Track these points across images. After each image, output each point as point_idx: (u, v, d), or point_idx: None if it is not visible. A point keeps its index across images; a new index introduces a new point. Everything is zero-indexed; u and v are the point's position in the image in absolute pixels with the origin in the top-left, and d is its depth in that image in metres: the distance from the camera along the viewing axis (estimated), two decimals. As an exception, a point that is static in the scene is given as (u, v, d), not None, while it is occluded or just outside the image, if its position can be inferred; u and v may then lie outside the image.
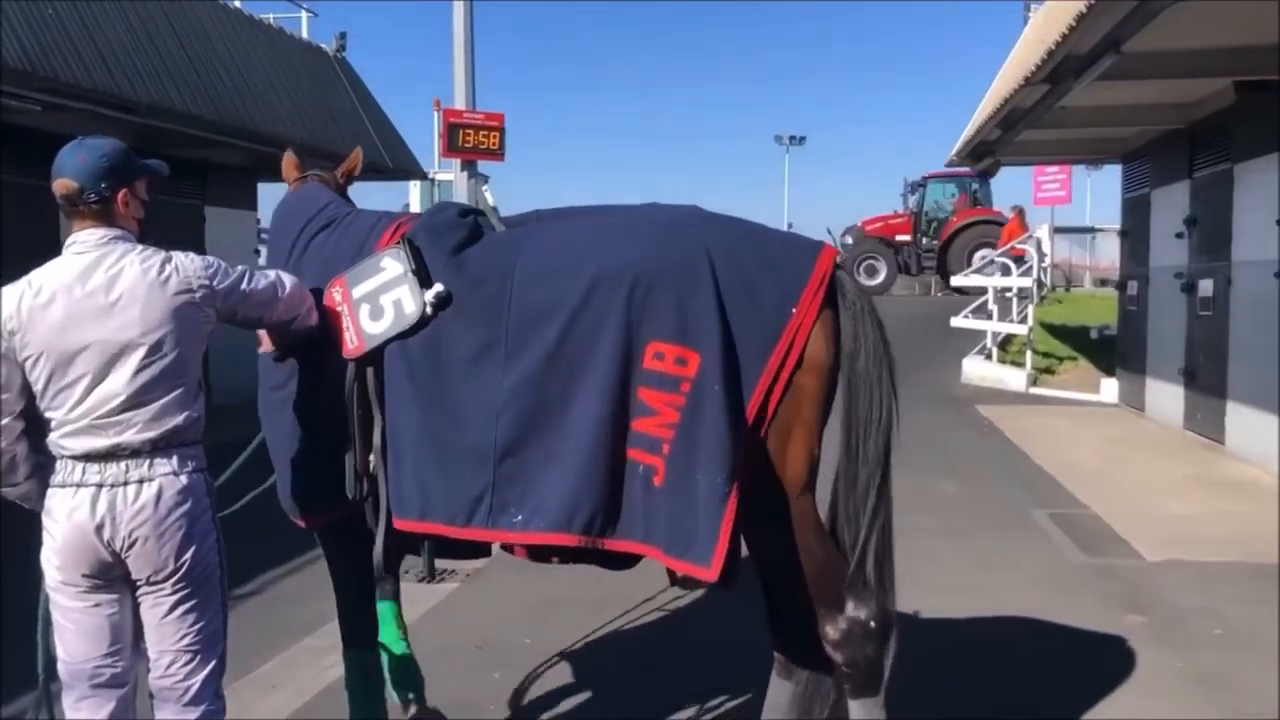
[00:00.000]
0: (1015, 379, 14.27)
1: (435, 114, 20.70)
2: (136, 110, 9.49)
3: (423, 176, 17.26)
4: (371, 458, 3.19)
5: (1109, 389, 13.31)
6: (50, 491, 2.79)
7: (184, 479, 2.80)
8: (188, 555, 2.80)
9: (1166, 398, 11.26)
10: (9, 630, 4.44)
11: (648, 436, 2.85)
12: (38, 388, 2.78)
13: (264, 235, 17.86)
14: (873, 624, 2.94)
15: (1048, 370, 14.80)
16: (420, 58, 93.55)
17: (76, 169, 2.82)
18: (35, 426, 2.87)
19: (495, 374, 2.95)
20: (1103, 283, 15.78)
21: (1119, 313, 13.46)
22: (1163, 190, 11.54)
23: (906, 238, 23.69)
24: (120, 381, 2.74)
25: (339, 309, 3.17)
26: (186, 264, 2.86)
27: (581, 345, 2.88)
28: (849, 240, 23.55)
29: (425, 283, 3.07)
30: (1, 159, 9.87)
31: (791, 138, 56.94)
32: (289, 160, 3.91)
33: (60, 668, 2.86)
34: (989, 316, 15.50)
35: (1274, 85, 8.49)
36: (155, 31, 10.13)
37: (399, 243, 3.17)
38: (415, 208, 21.95)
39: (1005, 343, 15.57)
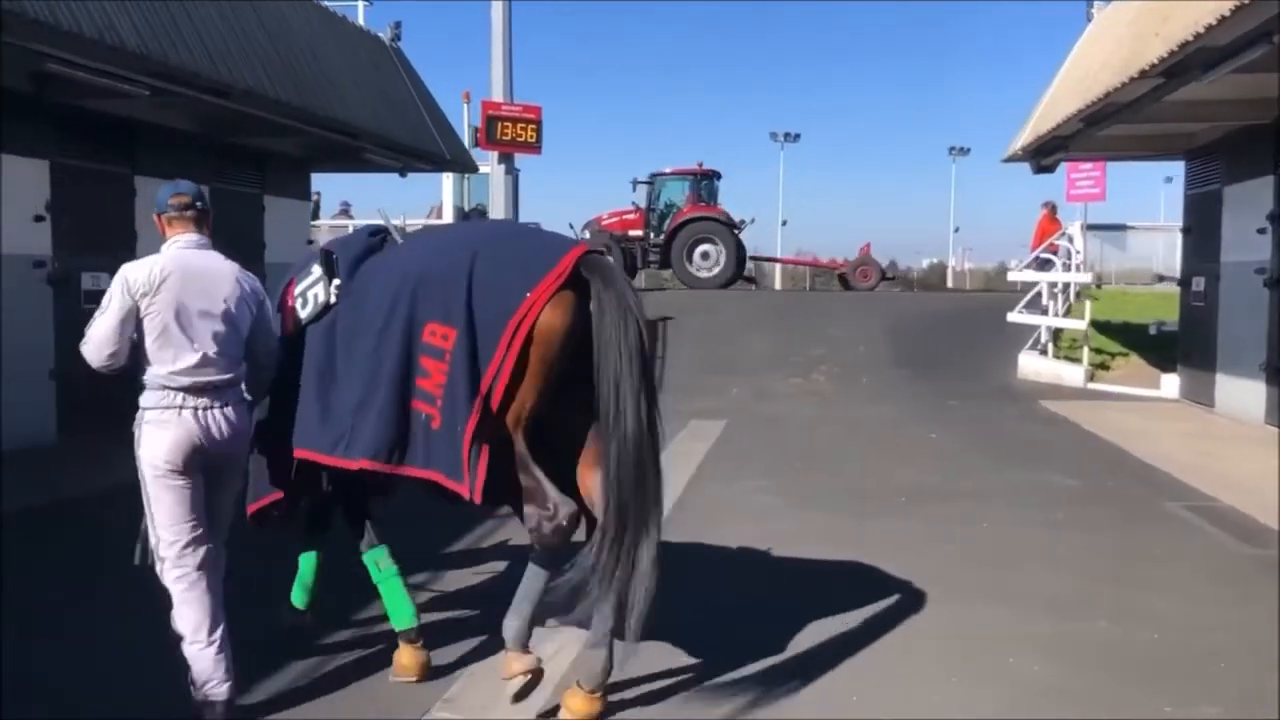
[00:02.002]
0: (1072, 374, 14.32)
1: (464, 107, 20.74)
2: (231, 95, 9.38)
3: (474, 169, 17.11)
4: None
5: (1169, 384, 13.37)
6: (156, 413, 3.86)
7: (244, 406, 4.07)
8: (246, 452, 4.21)
9: (1242, 393, 11.32)
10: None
11: (426, 392, 3.80)
12: (151, 338, 3.86)
13: (314, 225, 17.80)
14: (564, 523, 3.78)
15: (1102, 366, 14.86)
16: (441, 50, 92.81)
17: (187, 189, 4.08)
18: None
19: (357, 348, 4.01)
20: (1161, 278, 15.80)
21: (1181, 309, 13.51)
22: (1238, 186, 11.58)
23: (639, 233, 24.26)
24: (209, 339, 3.91)
25: (290, 303, 4.30)
26: (252, 277, 4.14)
27: (392, 326, 3.87)
28: (587, 235, 23.96)
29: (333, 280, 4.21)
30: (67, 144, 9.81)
31: (786, 134, 57.46)
32: None
33: (159, 540, 3.86)
34: (1043, 312, 15.54)
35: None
36: (244, 20, 10.01)
37: (321, 252, 4.32)
38: (448, 200, 21.89)
39: (1054, 338, 15.63)
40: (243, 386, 4.07)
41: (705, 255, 23.34)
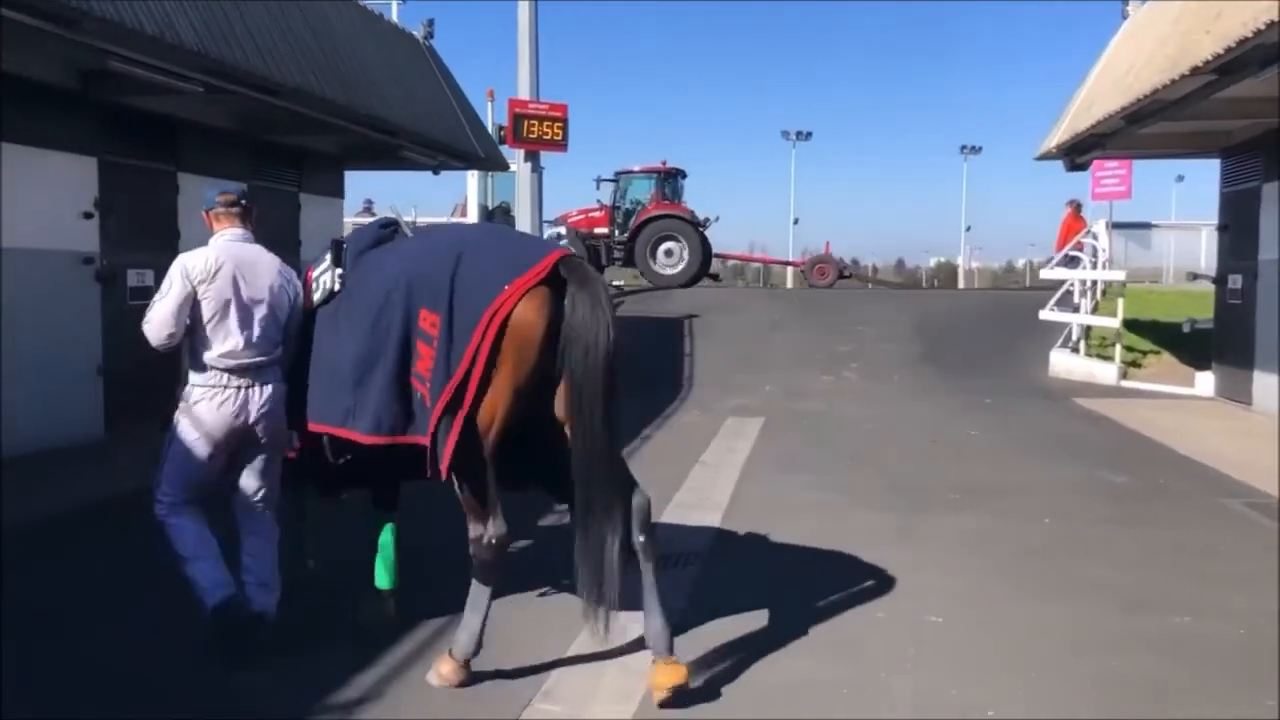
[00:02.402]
0: (1105, 372, 14.31)
1: (488, 105, 20.74)
2: (280, 94, 9.42)
3: (505, 167, 17.09)
4: None
5: (1204, 382, 13.36)
6: (202, 390, 4.42)
7: (281, 383, 4.58)
8: (281, 425, 4.58)
9: (1281, 390, 11.30)
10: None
11: (418, 372, 4.12)
12: (205, 321, 4.39)
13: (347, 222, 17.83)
14: (493, 541, 4.08)
15: (1133, 364, 14.84)
16: (462, 48, 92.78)
17: (233, 188, 4.66)
18: None
19: (357, 332, 4.30)
20: (1195, 276, 15.82)
21: (1216, 306, 13.50)
22: (1278, 184, 11.56)
23: (604, 230, 24.47)
24: (254, 324, 4.46)
25: (308, 287, 4.69)
26: (290, 270, 4.69)
27: (390, 313, 4.17)
28: (561, 232, 24.16)
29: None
30: (114, 142, 9.87)
31: (798, 133, 57.39)
32: None
33: (159, 486, 4.44)
34: (1074, 309, 15.53)
35: None
36: (291, 19, 10.05)
37: (331, 243, 4.67)
38: (472, 197, 21.92)
39: (1084, 335, 15.62)
40: (278, 368, 4.59)
41: (669, 253, 23.51)
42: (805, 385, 14.37)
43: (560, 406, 4.10)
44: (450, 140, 13.67)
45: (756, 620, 4.99)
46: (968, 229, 59.39)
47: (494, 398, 3.98)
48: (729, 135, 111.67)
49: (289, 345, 4.65)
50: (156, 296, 4.40)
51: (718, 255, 26.52)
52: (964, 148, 58.38)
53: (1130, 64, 11.16)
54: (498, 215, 21.98)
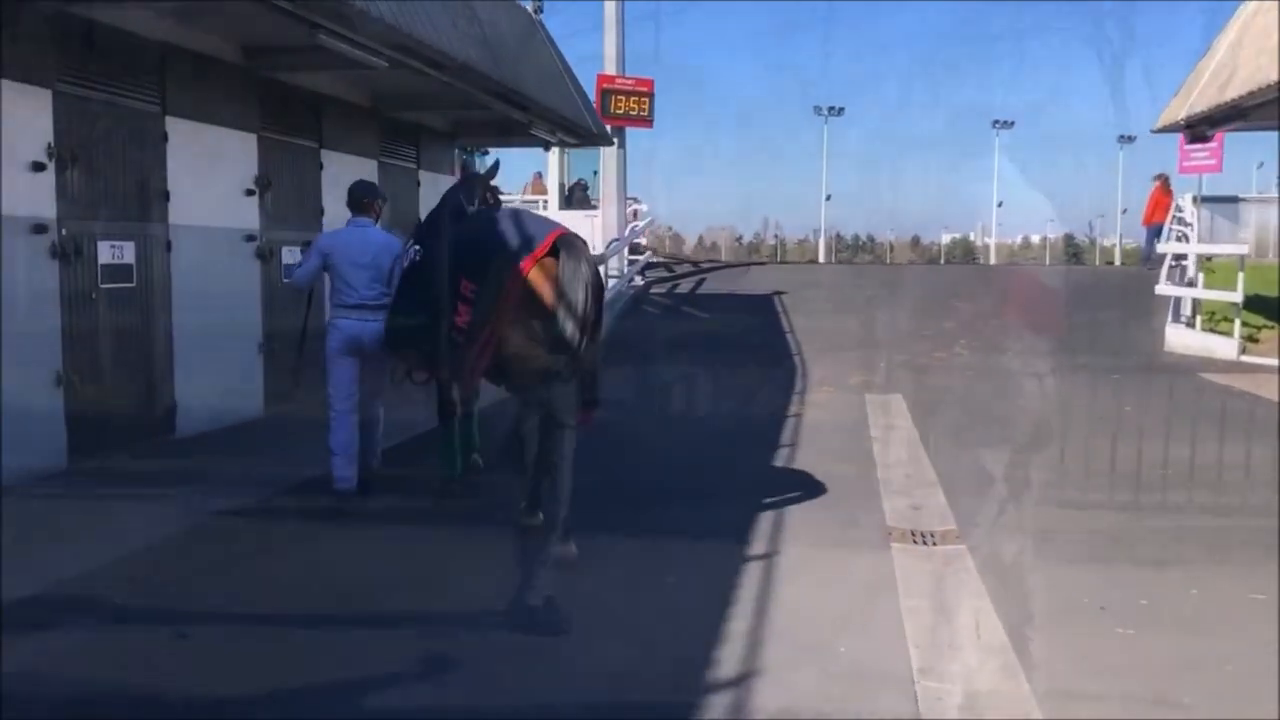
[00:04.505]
0: (1224, 347, 14.16)
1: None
2: (449, 69, 9.32)
3: (610, 143, 16.93)
4: None
5: (1332, 357, 13.22)
6: (335, 321, 6.57)
7: (384, 319, 6.24)
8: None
9: None
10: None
11: (459, 326, 5.45)
12: (333, 277, 6.59)
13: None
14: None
15: (1250, 338, 14.69)
16: None
17: (367, 190, 6.85)
18: None
19: (428, 289, 5.71)
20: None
21: (1345, 280, 13.36)
22: None
23: None
24: (366, 279, 6.47)
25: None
26: (395, 241, 6.63)
27: (444, 279, 5.55)
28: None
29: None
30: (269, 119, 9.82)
31: (830, 108, 57.09)
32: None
33: (331, 395, 6.59)
34: (1188, 284, 15.38)
35: None
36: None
37: (417, 221, 6.84)
38: (553, 174, 21.83)
39: (1194, 310, 15.46)
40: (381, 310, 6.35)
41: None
42: (921, 362, 14.22)
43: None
44: (573, 116, 13.54)
45: (1095, 596, 4.94)
46: (999, 204, 59.04)
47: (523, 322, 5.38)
48: (752, 112, 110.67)
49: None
50: (304, 259, 6.88)
51: None
52: (996, 122, 57.99)
53: (1285, 34, 10.97)
54: (576, 192, 21.88)
